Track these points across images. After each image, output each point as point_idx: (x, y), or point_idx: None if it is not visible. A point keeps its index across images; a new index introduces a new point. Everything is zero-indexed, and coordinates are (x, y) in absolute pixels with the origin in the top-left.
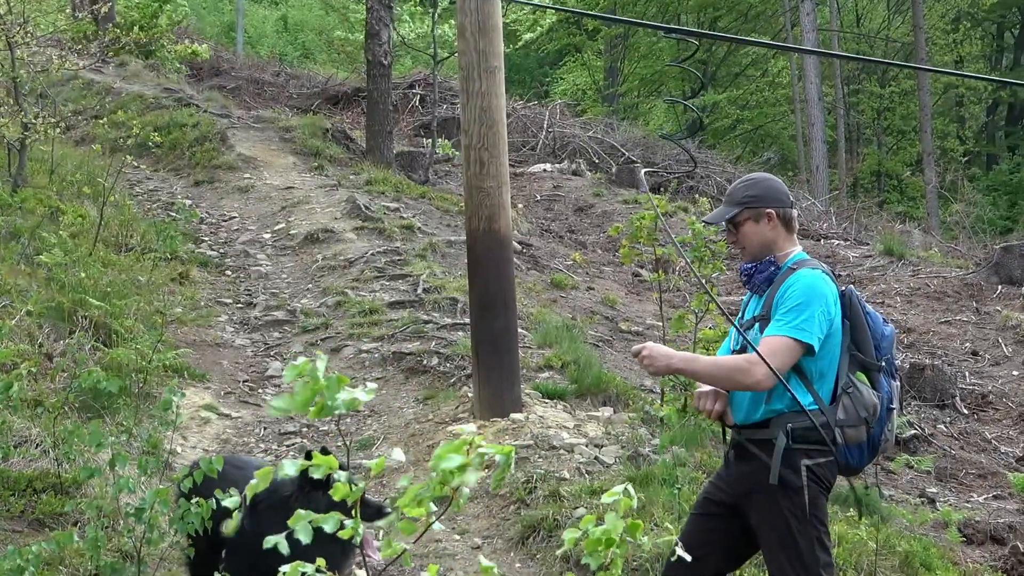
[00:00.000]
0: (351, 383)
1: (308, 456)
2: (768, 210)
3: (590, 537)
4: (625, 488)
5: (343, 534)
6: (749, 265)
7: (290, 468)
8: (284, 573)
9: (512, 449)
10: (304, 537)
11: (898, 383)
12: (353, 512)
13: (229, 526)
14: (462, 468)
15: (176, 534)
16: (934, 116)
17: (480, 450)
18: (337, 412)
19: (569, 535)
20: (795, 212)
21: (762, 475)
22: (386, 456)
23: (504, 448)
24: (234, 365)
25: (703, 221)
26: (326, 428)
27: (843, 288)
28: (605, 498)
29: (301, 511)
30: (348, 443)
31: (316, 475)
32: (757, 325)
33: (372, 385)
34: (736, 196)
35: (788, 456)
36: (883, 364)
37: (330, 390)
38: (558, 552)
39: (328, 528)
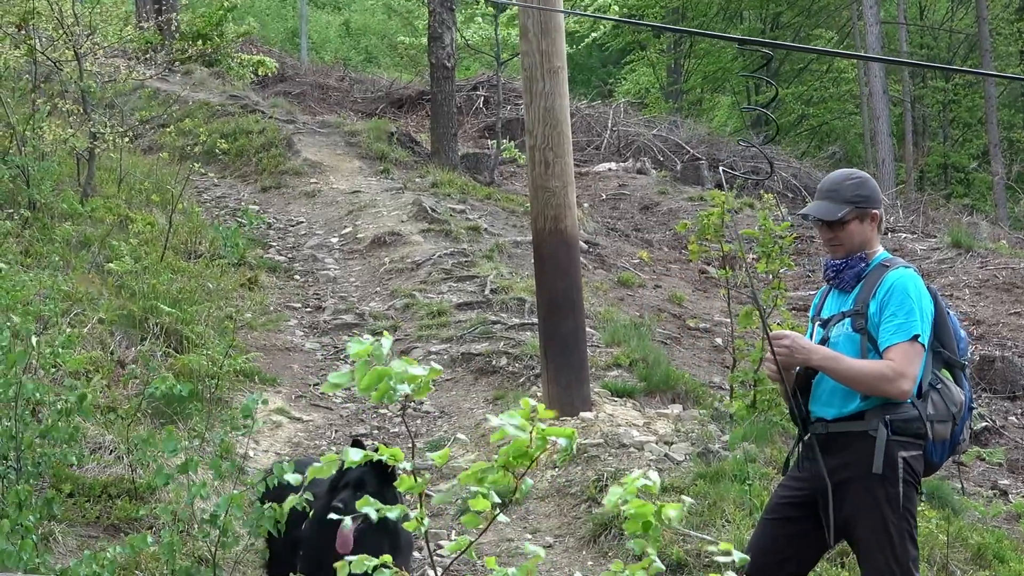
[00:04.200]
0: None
1: (375, 451)
2: (874, 211)
3: (628, 519)
4: (645, 472)
5: (408, 526)
6: (839, 261)
7: (355, 455)
8: (350, 563)
9: (574, 431)
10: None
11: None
12: (418, 505)
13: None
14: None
15: (249, 537)
16: (1000, 107)
17: (543, 425)
18: (401, 395)
19: (610, 499)
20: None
21: (857, 467)
22: (451, 443)
23: (566, 430)
24: (304, 369)
25: (801, 214)
26: (397, 430)
27: (927, 286)
28: (627, 481)
29: (370, 497)
30: (412, 437)
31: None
32: (848, 320)
33: (437, 366)
34: (845, 194)
35: (888, 447)
36: (965, 363)
37: (397, 372)
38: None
39: (393, 516)
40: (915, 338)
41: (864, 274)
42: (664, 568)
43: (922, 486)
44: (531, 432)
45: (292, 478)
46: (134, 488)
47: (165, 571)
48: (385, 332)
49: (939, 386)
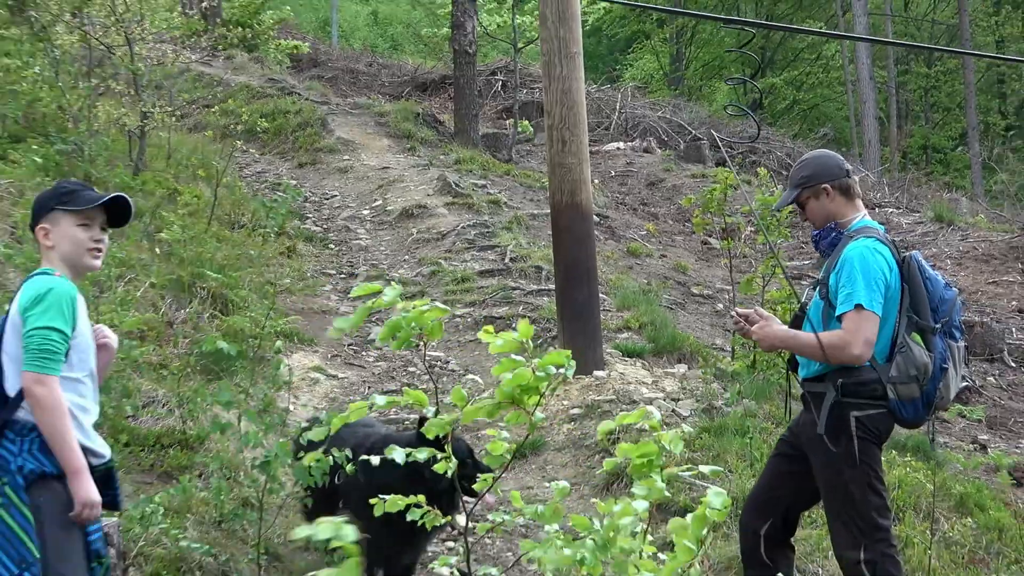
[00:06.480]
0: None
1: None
2: (823, 186)
3: (632, 462)
4: (645, 411)
5: (439, 468)
6: (815, 232)
7: (380, 400)
8: (386, 502)
9: (568, 353)
10: (399, 458)
11: (962, 344)
12: (446, 450)
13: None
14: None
15: (296, 484)
16: (977, 93)
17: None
18: (415, 334)
19: (602, 428)
20: (852, 180)
21: (816, 426)
22: (462, 383)
23: (560, 355)
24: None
25: (776, 208)
26: (425, 387)
27: (904, 255)
28: (619, 417)
29: (395, 446)
30: (435, 382)
31: (403, 403)
32: (818, 289)
33: (443, 306)
34: (793, 179)
35: (837, 408)
36: (938, 326)
37: (421, 318)
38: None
39: (423, 457)
40: (858, 307)
41: (838, 241)
42: (668, 494)
43: (881, 442)
44: (530, 362)
45: (315, 433)
46: (185, 439)
47: (214, 514)
48: (392, 283)
49: (904, 350)
